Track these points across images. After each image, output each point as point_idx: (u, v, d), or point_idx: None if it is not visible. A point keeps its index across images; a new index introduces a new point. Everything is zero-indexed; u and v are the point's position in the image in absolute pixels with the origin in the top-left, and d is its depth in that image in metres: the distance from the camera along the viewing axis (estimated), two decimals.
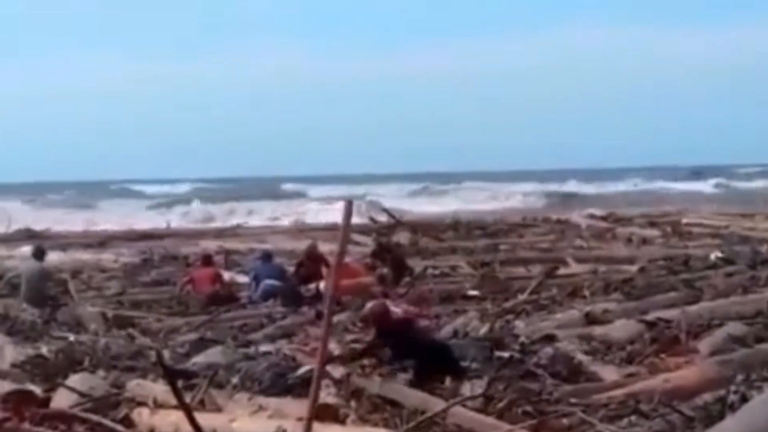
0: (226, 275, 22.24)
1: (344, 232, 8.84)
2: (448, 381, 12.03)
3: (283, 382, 12.02)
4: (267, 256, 21.57)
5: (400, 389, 11.65)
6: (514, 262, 24.66)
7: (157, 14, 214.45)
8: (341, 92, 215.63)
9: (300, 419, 9.94)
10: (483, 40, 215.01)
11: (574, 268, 23.16)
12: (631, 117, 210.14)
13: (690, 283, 19.08)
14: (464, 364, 12.52)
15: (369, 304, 14.15)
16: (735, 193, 66.43)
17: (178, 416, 10.06)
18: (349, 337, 14.97)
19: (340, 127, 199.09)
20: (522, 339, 13.83)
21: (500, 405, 10.98)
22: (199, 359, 13.73)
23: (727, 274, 20.01)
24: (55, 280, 20.88)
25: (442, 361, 12.35)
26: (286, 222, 44.49)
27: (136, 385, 12.20)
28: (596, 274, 21.62)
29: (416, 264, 23.14)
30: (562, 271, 22.13)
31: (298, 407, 10.46)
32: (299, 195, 71.79)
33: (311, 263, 20.92)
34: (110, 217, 49.91)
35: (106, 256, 28.87)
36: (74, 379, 12.48)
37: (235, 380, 12.14)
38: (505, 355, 12.88)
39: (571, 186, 75.90)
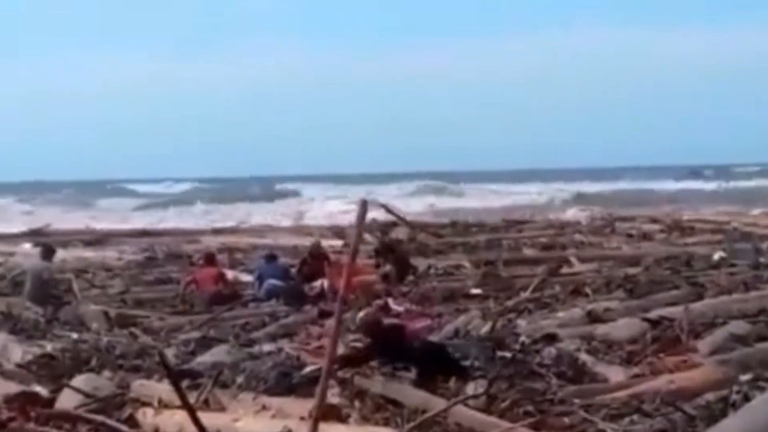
0: (230, 273, 22.30)
1: (358, 230, 8.83)
2: (452, 381, 12.02)
3: (287, 382, 12.03)
4: (271, 257, 21.65)
5: (403, 389, 11.64)
6: (516, 262, 24.65)
7: (157, 14, 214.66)
8: (340, 92, 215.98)
9: (303, 419, 9.97)
10: (483, 40, 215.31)
11: (577, 266, 23.14)
12: (631, 117, 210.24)
13: (692, 281, 19.09)
14: (466, 363, 12.47)
15: (361, 314, 14.12)
16: (734, 192, 66.34)
17: (182, 416, 10.01)
18: (351, 337, 14.97)
19: (339, 127, 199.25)
20: (523, 338, 13.81)
21: (503, 405, 10.98)
22: (204, 358, 13.76)
23: (730, 273, 20.04)
24: (59, 279, 20.87)
25: (440, 364, 12.29)
26: (285, 222, 44.45)
27: (140, 386, 12.20)
28: (600, 272, 21.61)
29: (419, 263, 23.15)
30: (564, 269, 22.14)
31: (302, 407, 10.48)
32: (299, 194, 71.70)
33: (315, 261, 21.01)
34: (109, 216, 49.95)
35: (110, 254, 28.85)
36: (79, 380, 12.47)
37: (239, 380, 12.14)
38: (507, 354, 12.87)
39: (572, 186, 75.82)
